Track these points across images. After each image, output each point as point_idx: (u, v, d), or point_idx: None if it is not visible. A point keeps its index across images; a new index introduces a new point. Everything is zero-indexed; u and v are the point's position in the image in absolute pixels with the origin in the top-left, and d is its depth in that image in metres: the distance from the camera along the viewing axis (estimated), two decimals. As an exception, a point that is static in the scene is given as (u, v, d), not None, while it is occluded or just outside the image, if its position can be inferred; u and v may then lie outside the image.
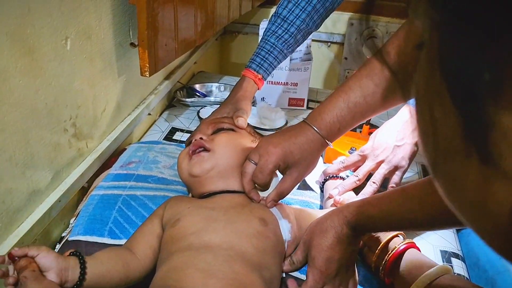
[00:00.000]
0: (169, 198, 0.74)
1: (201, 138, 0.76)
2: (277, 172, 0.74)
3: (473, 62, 0.17)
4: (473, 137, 0.18)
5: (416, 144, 0.86)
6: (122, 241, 0.72)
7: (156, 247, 0.67)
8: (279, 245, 0.68)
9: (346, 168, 0.91)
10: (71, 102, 0.83)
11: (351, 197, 0.85)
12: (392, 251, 0.68)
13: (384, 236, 0.71)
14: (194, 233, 0.63)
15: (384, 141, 0.87)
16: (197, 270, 0.57)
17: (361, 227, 0.65)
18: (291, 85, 1.31)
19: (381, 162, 0.86)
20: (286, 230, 0.70)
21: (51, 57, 0.75)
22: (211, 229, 0.63)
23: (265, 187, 0.72)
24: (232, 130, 0.81)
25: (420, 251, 0.71)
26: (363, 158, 0.89)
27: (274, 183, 0.73)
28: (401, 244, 0.68)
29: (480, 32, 0.17)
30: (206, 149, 0.74)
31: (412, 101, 0.83)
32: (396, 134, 0.86)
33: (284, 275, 0.70)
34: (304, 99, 1.33)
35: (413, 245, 0.70)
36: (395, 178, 0.86)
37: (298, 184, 0.75)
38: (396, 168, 0.86)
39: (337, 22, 1.83)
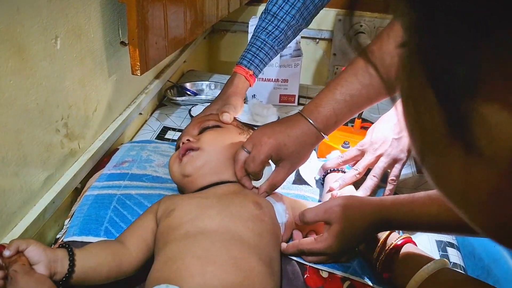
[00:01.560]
0: (164, 197, 0.74)
1: (188, 140, 0.77)
2: (270, 161, 0.75)
3: (450, 59, 0.18)
4: (455, 128, 0.19)
5: None
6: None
7: (149, 241, 0.66)
8: (275, 228, 0.69)
9: (345, 162, 0.91)
10: (63, 102, 0.82)
11: (350, 191, 0.85)
12: (389, 247, 0.68)
13: (382, 233, 0.71)
14: (189, 220, 0.63)
15: (382, 135, 0.87)
16: (194, 257, 0.57)
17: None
18: (281, 82, 1.31)
19: (380, 155, 0.86)
20: (281, 211, 0.71)
21: (41, 57, 0.74)
22: (206, 216, 0.64)
23: (256, 176, 0.74)
24: (218, 126, 0.82)
25: (417, 245, 0.71)
26: (362, 153, 0.89)
27: (266, 172, 0.74)
28: (398, 239, 0.69)
29: (456, 30, 0.18)
30: (194, 149, 0.76)
31: None
32: (394, 127, 0.87)
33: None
34: (295, 95, 1.33)
35: (410, 240, 0.70)
36: (395, 171, 0.86)
37: (291, 175, 0.76)
38: (395, 161, 0.86)
39: (325, 19, 1.84)
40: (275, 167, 0.74)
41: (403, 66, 0.23)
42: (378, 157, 0.87)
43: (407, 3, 0.21)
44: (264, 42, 0.97)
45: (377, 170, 0.86)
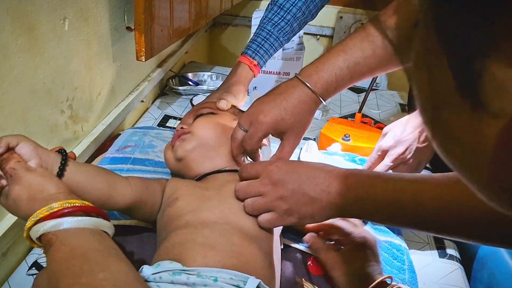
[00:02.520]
0: (171, 179, 0.75)
1: (182, 128, 0.78)
2: (266, 141, 0.75)
3: (465, 25, 0.20)
4: (465, 87, 0.21)
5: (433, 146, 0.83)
6: (122, 222, 0.73)
7: (148, 193, 0.66)
8: None
9: (371, 168, 0.87)
10: (68, 83, 0.82)
11: None
12: None
13: (375, 273, 0.64)
14: (190, 212, 0.63)
15: (406, 141, 0.82)
16: (196, 244, 0.57)
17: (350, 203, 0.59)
18: (283, 75, 1.32)
19: (401, 161, 0.83)
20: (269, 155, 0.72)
21: (50, 37, 0.74)
22: (206, 208, 0.64)
23: (253, 155, 0.73)
24: (212, 113, 0.82)
25: None
26: (382, 156, 0.86)
27: (265, 153, 0.74)
28: None
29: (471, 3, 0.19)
30: (185, 133, 0.76)
31: None
32: (419, 135, 0.82)
33: (282, 246, 0.72)
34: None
35: None
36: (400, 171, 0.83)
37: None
38: (412, 170, 0.83)
39: (327, 16, 1.85)
40: (280, 141, 0.72)
41: (418, 34, 0.24)
42: (398, 163, 0.83)
43: None
44: (270, 33, 0.98)
45: (380, 169, 0.84)
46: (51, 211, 0.48)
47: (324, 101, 0.70)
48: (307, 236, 0.71)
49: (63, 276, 0.43)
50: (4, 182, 0.52)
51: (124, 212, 0.67)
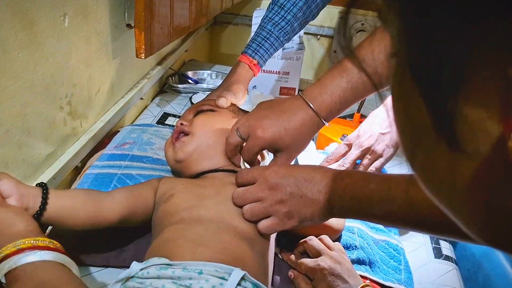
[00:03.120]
0: (164, 177, 0.75)
1: (181, 124, 0.78)
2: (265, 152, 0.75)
3: (435, 63, 0.20)
4: (441, 128, 0.21)
5: None
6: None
7: (138, 203, 0.66)
8: None
9: (335, 160, 0.91)
10: (67, 80, 0.82)
11: None
12: None
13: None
14: (186, 209, 0.63)
15: (369, 129, 0.86)
16: (186, 240, 0.57)
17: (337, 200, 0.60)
18: (283, 74, 1.32)
19: (367, 150, 0.86)
20: None
21: (49, 33, 0.74)
22: (203, 206, 0.64)
23: (251, 164, 0.74)
24: (212, 110, 0.82)
25: None
26: (349, 147, 0.89)
27: (262, 162, 0.75)
28: None
29: (442, 23, 0.19)
30: (186, 133, 0.76)
31: None
32: (382, 122, 0.86)
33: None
34: (295, 88, 1.34)
35: None
36: (377, 163, 0.86)
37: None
38: (380, 155, 0.86)
39: (328, 16, 1.85)
40: (273, 156, 0.73)
41: (392, 71, 0.24)
42: (364, 152, 0.86)
43: (397, 9, 0.22)
44: (270, 33, 0.98)
45: (348, 159, 0.86)
46: (18, 247, 0.47)
47: (327, 123, 0.70)
48: (291, 271, 0.70)
49: None
50: None
51: (117, 225, 0.66)
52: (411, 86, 0.22)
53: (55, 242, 0.51)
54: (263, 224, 0.62)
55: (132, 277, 0.54)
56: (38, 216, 0.55)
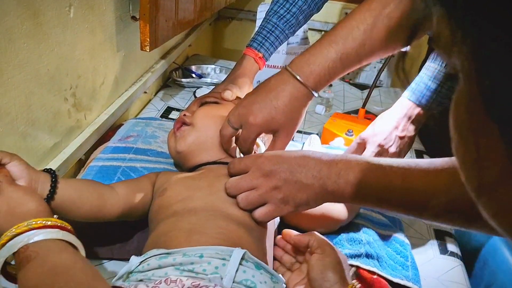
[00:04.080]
0: (162, 171, 0.75)
1: (184, 115, 0.77)
2: (260, 141, 0.75)
3: None
4: None
5: (412, 138, 0.85)
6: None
7: (138, 198, 0.66)
8: None
9: None
10: (72, 71, 0.82)
11: None
12: None
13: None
14: (179, 201, 0.63)
15: (386, 129, 0.84)
16: (180, 230, 0.57)
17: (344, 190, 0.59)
18: (287, 69, 1.32)
19: (382, 149, 0.84)
20: None
21: (55, 23, 0.74)
22: (196, 198, 0.63)
23: (248, 154, 0.73)
24: (216, 103, 0.81)
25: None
26: (363, 145, 0.87)
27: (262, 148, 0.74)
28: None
29: None
30: (187, 124, 0.76)
31: (407, 94, 0.80)
32: (396, 124, 0.84)
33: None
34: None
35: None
36: None
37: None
38: (394, 157, 0.83)
39: (331, 11, 1.85)
40: (273, 137, 0.72)
41: (459, 102, 0.22)
42: (380, 151, 0.84)
43: (473, 42, 0.20)
44: (275, 26, 0.97)
45: (365, 155, 0.83)
46: (30, 226, 0.46)
47: (317, 93, 0.69)
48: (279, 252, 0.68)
49: None
50: None
51: (116, 220, 0.65)
52: (483, 117, 0.20)
53: (66, 223, 0.50)
54: (259, 212, 0.61)
55: (132, 272, 0.54)
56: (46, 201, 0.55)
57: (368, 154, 0.85)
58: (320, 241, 0.62)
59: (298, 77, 0.67)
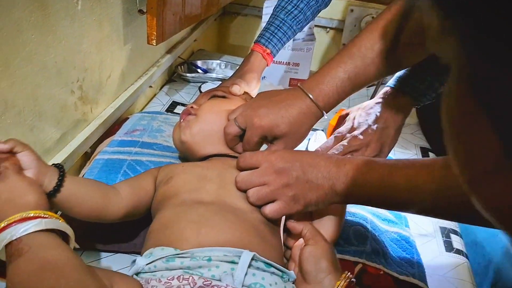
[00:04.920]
0: (164, 165, 0.74)
1: (192, 107, 0.77)
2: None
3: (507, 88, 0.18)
4: None
5: (397, 130, 0.81)
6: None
7: (141, 198, 0.65)
8: None
9: (324, 151, 0.84)
10: (79, 64, 0.82)
11: None
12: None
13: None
14: (187, 191, 0.62)
15: (365, 123, 0.81)
16: (189, 222, 0.57)
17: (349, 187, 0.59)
18: (292, 65, 1.31)
19: (364, 144, 0.80)
20: None
21: (63, 15, 0.73)
22: (204, 190, 0.63)
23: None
24: (224, 97, 0.81)
25: None
26: (338, 140, 0.83)
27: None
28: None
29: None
30: (192, 115, 0.76)
31: (390, 81, 0.80)
32: (375, 118, 0.81)
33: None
34: (305, 80, 1.33)
35: None
36: (360, 153, 0.80)
37: None
38: (378, 152, 0.80)
39: (337, 8, 1.84)
40: (270, 144, 0.72)
41: (449, 94, 0.22)
42: (361, 145, 0.80)
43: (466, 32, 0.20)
44: (283, 21, 0.97)
45: (344, 152, 0.79)
46: (24, 215, 0.46)
47: (326, 113, 0.70)
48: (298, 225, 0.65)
49: None
50: None
51: (120, 221, 0.65)
52: (473, 110, 0.20)
53: (62, 218, 0.50)
54: (269, 209, 0.61)
55: (139, 273, 0.54)
56: (49, 196, 0.55)
57: (339, 146, 0.80)
58: (313, 232, 0.62)
59: (310, 95, 0.69)
